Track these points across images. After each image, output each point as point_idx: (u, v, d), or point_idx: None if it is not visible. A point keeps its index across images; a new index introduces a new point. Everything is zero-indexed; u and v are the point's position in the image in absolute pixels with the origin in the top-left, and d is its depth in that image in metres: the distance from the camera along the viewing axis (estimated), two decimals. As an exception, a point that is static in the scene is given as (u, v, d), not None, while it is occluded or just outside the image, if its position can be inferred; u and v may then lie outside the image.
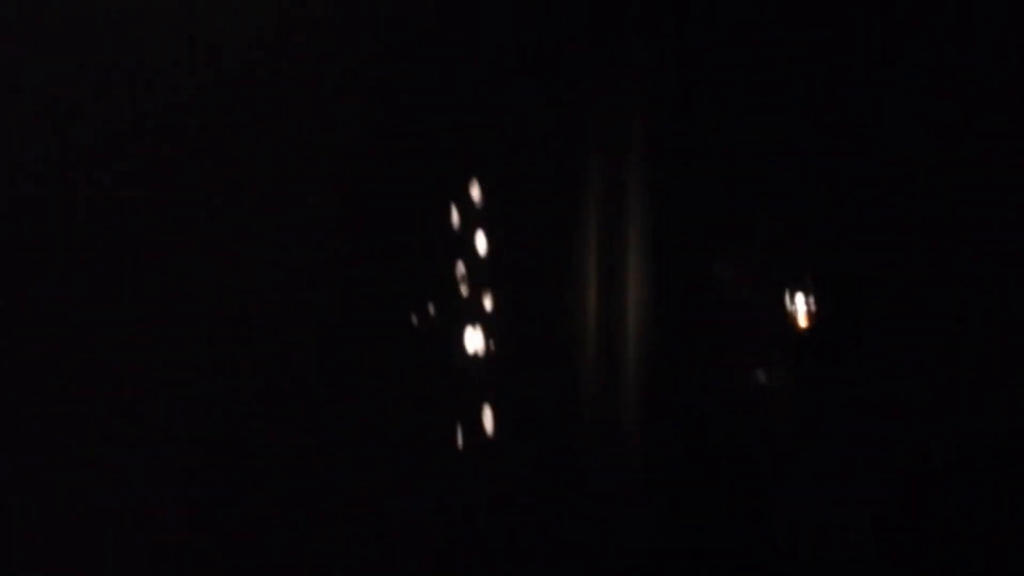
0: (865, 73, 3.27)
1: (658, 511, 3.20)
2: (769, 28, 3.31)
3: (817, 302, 3.33)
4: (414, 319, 2.88)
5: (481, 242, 3.05)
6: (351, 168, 2.90)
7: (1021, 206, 3.16)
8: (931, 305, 3.22)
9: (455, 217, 3.08)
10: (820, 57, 3.30)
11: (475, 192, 3.07)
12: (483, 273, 3.07)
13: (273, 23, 2.67)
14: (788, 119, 3.33)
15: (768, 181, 3.34)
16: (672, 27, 3.32)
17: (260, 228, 2.60)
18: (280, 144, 2.70)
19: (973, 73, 3.19)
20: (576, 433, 3.11)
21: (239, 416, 2.47)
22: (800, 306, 3.34)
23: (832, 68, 3.29)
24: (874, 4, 3.26)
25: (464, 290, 3.01)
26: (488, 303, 3.04)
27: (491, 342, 3.01)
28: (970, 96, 3.20)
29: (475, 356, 3.02)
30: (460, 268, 3.08)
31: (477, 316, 3.04)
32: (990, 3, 3.17)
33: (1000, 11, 3.14)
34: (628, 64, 3.28)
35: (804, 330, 3.34)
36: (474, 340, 3.00)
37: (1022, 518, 3.06)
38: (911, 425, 3.17)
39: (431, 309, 2.89)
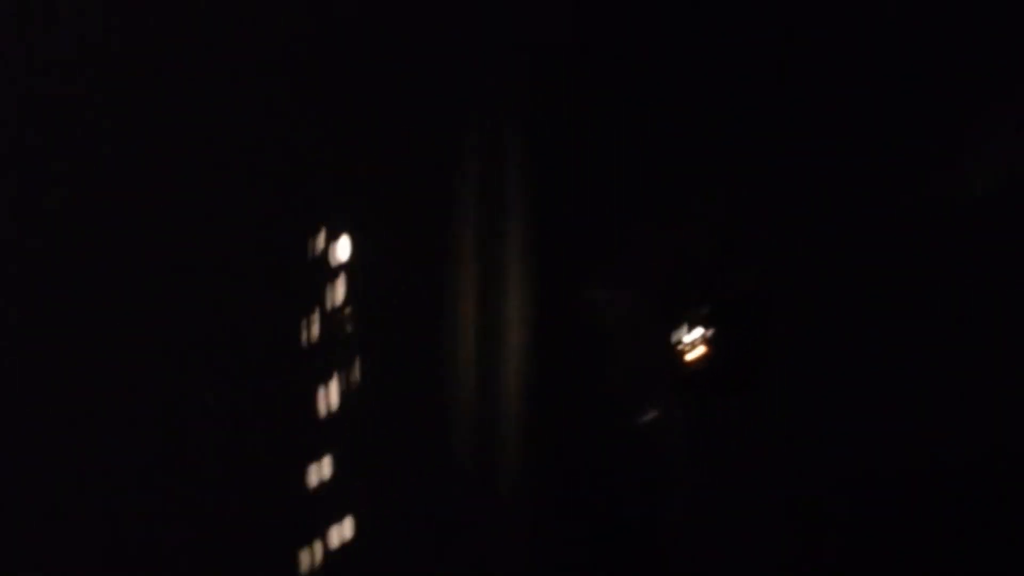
0: (765, 85, 3.09)
1: (541, 564, 2.95)
2: (657, 50, 3.12)
3: (713, 334, 3.12)
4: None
5: (346, 276, 2.82)
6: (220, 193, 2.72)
7: (918, 238, 2.98)
8: (832, 336, 3.03)
9: (320, 244, 2.85)
10: (715, 69, 3.10)
11: (342, 222, 2.85)
12: (350, 308, 2.84)
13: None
14: (676, 138, 3.13)
15: (657, 207, 3.14)
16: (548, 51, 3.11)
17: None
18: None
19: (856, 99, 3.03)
20: (450, 481, 2.86)
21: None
22: (694, 339, 3.13)
23: (728, 81, 3.10)
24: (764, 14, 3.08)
25: (326, 328, 2.78)
26: (354, 344, 2.81)
27: (356, 385, 2.76)
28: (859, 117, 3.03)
29: (338, 401, 2.78)
30: (328, 300, 2.85)
31: (342, 359, 2.80)
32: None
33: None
34: (506, 90, 3.07)
35: (698, 364, 3.12)
36: (336, 386, 2.75)
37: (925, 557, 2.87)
38: (812, 466, 2.97)
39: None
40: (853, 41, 3.03)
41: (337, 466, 2.74)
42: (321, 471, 2.74)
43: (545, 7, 3.00)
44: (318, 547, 2.71)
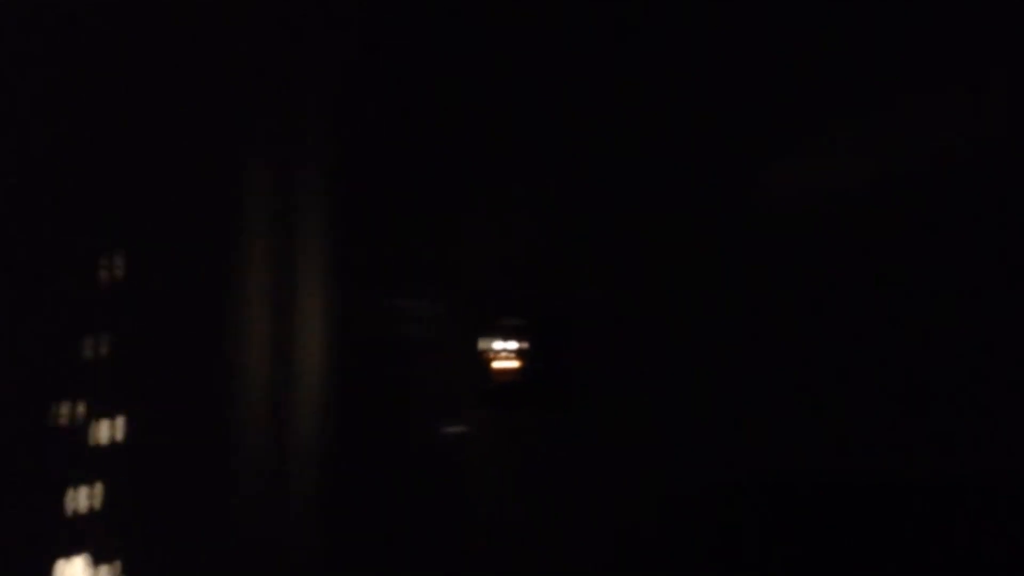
0: (572, 103, 3.00)
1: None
2: (459, 61, 3.01)
3: (523, 346, 3.01)
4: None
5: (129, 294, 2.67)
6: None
7: (720, 253, 2.91)
8: (639, 350, 2.94)
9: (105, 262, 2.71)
10: (522, 87, 3.01)
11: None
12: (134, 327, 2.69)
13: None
14: (486, 147, 3.02)
15: (461, 218, 3.03)
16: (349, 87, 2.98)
17: None
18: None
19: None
20: (239, 504, 2.71)
21: None
22: (504, 351, 3.02)
23: (535, 98, 3.00)
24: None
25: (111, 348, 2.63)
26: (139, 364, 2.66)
27: (140, 404, 2.62)
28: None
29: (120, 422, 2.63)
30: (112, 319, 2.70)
31: (127, 380, 2.65)
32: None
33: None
34: (299, 95, 2.93)
35: (508, 376, 3.01)
36: (118, 406, 2.60)
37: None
38: (616, 478, 2.87)
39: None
40: (653, 69, 2.95)
41: (111, 490, 2.60)
42: (94, 496, 2.60)
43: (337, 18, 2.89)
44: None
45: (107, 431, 2.60)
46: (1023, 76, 2.84)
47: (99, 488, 2.56)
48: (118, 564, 2.55)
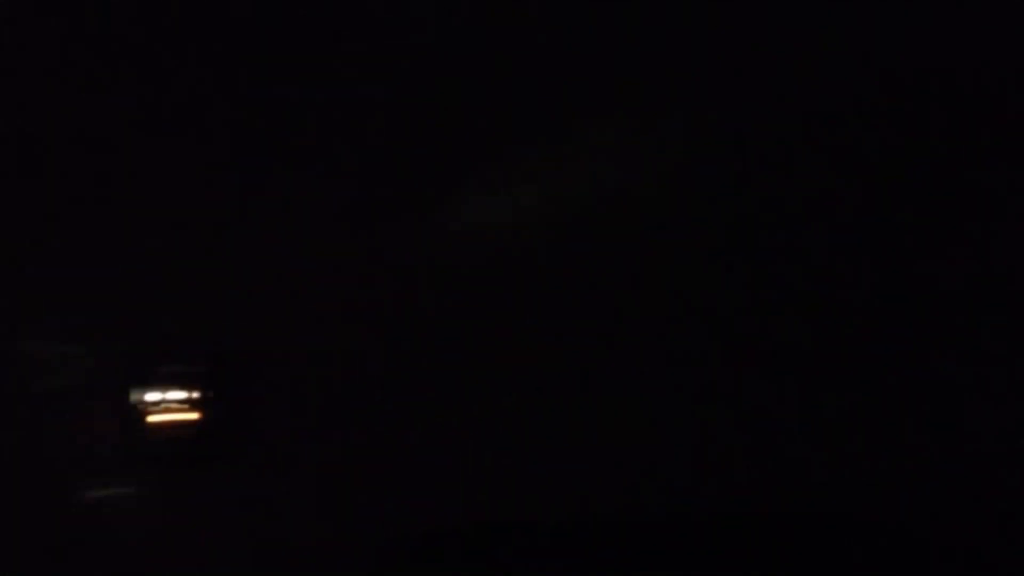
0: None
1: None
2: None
3: (189, 397, 2.64)
4: None
5: None
6: None
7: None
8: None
9: None
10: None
11: None
12: None
13: None
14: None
15: (123, 256, 2.65)
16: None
17: None
18: None
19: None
20: None
21: None
22: (164, 402, 2.64)
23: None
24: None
25: None
26: None
27: None
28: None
29: None
30: None
31: None
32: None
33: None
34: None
35: (168, 430, 2.63)
36: None
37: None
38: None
39: None
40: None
41: None
42: None
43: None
44: None
45: None
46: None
47: None
48: None
